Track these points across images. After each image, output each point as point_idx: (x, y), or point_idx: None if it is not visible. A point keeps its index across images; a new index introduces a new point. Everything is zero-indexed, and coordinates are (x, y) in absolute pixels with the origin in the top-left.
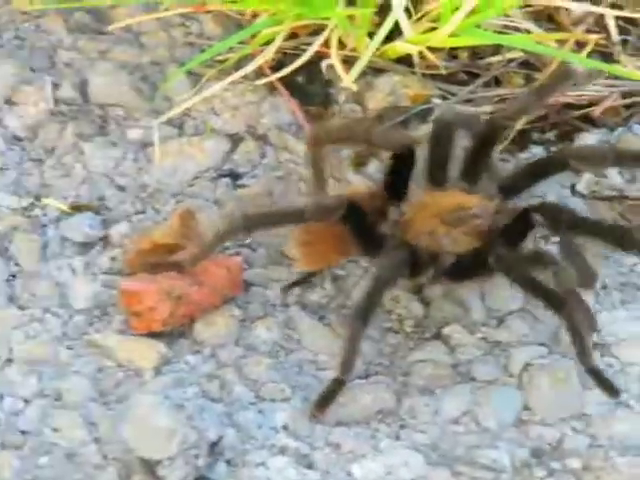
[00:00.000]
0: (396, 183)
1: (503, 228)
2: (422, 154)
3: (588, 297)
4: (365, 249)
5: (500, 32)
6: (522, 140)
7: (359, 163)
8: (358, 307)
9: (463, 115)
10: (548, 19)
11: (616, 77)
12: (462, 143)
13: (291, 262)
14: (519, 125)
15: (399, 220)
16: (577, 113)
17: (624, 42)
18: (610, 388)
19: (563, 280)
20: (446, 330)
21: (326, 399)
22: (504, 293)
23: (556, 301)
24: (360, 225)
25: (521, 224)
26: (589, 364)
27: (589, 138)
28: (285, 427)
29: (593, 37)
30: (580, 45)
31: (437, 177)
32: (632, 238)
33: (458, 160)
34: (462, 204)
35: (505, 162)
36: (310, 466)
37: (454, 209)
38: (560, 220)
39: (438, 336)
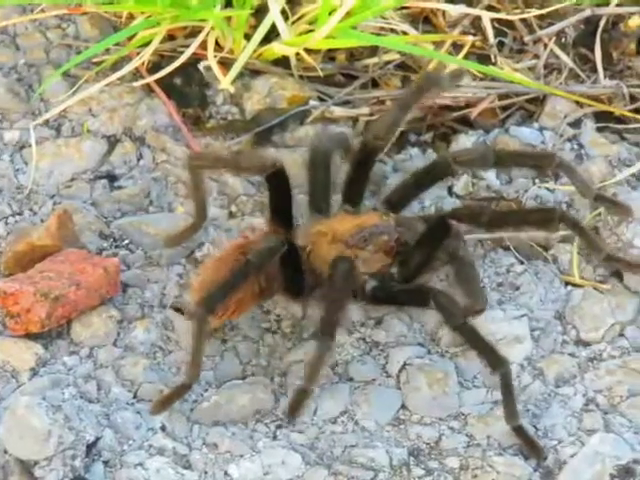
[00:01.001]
0: (281, 212)
1: (416, 239)
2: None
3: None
4: (289, 289)
5: (377, 34)
6: (399, 141)
7: None
8: (205, 294)
9: (337, 138)
10: (425, 21)
11: (493, 79)
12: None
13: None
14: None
15: (299, 250)
16: (454, 115)
17: (500, 44)
18: (535, 449)
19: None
20: None
21: (168, 399)
22: None
23: (495, 359)
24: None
25: (437, 232)
26: (515, 423)
27: (466, 139)
28: (163, 428)
29: (469, 39)
30: (457, 47)
31: (321, 204)
32: (563, 216)
33: (339, 182)
34: (361, 224)
35: (383, 164)
36: (188, 466)
37: (356, 230)
38: (480, 219)
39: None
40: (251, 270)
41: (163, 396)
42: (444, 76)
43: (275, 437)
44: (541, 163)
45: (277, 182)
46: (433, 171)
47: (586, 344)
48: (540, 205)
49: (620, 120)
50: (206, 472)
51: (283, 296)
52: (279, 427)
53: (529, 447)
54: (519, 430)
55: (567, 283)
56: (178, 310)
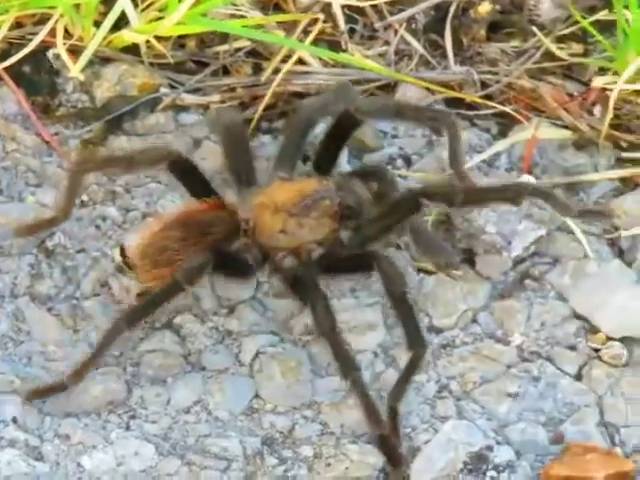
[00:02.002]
0: (201, 195)
1: (381, 211)
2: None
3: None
4: (237, 276)
5: (227, 21)
6: (250, 128)
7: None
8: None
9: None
10: (275, 8)
11: (344, 65)
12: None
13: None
14: (247, 114)
15: (247, 230)
16: None
17: (351, 30)
18: (397, 458)
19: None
20: (177, 320)
21: (43, 392)
22: (234, 283)
23: (415, 340)
24: (226, 258)
25: (405, 208)
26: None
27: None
28: (14, 420)
29: (320, 21)
30: (308, 34)
31: (247, 175)
32: (534, 190)
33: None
34: (301, 191)
35: None
36: (40, 458)
37: (297, 199)
38: (454, 199)
39: (169, 326)
40: (180, 289)
41: (40, 387)
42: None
43: (128, 428)
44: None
45: (182, 168)
46: (341, 125)
47: (439, 331)
48: (509, 181)
49: (471, 106)
50: (58, 464)
51: (229, 278)
52: (132, 417)
53: (389, 456)
54: (382, 438)
55: (419, 270)
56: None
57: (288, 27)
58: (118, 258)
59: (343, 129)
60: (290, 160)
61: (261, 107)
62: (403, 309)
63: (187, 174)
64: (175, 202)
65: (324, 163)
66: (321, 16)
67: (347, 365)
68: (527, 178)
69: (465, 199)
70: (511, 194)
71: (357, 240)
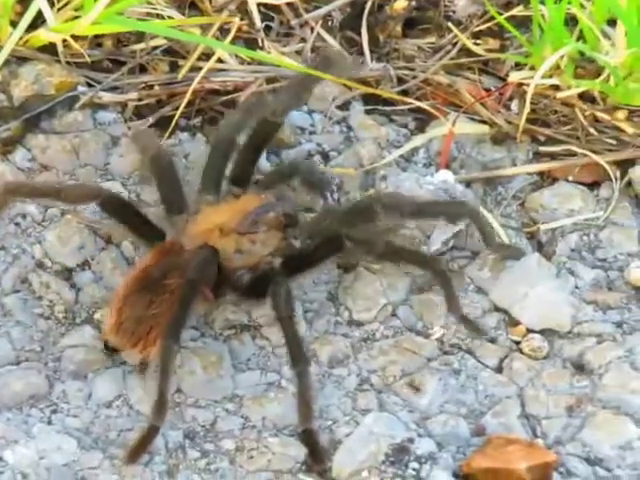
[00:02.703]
0: (143, 227)
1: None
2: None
3: None
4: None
5: (143, 20)
6: (168, 126)
7: (6, 151)
8: (168, 326)
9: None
10: (191, 6)
11: (260, 63)
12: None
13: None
14: (165, 112)
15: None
16: (222, 99)
17: (267, 28)
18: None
19: None
20: (97, 315)
21: (140, 447)
22: None
23: (422, 259)
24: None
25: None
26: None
27: None
28: None
29: (236, 20)
30: (224, 32)
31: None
32: (472, 212)
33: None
34: (244, 210)
35: None
36: None
37: (242, 218)
38: (404, 209)
39: (90, 321)
40: (196, 288)
41: (135, 444)
42: (342, 59)
43: (50, 422)
44: None
45: (114, 206)
46: (261, 133)
47: (359, 324)
48: (453, 200)
49: (388, 102)
50: None
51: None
52: (54, 412)
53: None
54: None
55: (339, 265)
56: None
57: (205, 25)
58: (104, 349)
59: (263, 137)
60: (215, 182)
61: (182, 105)
62: (397, 256)
63: (120, 211)
64: None
65: (243, 174)
66: (237, 16)
67: (298, 355)
68: (445, 173)
69: (412, 213)
70: (455, 212)
71: (307, 241)
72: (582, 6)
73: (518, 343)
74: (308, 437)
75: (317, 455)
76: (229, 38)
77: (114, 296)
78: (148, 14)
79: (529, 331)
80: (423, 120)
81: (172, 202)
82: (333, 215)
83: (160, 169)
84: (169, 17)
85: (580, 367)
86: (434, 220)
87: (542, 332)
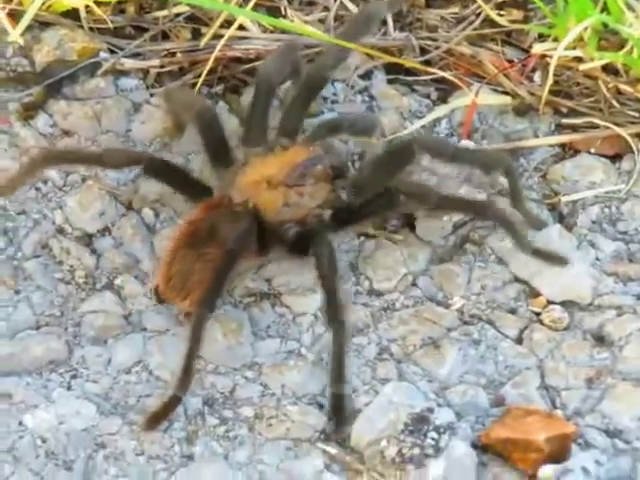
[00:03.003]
0: (189, 188)
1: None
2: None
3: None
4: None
5: None
6: None
7: (28, 116)
8: (204, 294)
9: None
10: None
11: (283, 31)
12: None
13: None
14: (187, 79)
15: (243, 209)
16: (245, 67)
17: None
18: (558, 258)
19: None
20: (117, 281)
21: (160, 415)
22: None
23: (477, 205)
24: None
25: (401, 157)
26: (530, 248)
27: None
28: None
29: None
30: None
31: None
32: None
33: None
34: (292, 162)
35: None
36: None
37: (290, 170)
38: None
39: (110, 287)
40: (235, 256)
41: (155, 412)
42: (383, 5)
43: (69, 387)
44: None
45: (156, 168)
46: (309, 84)
47: (379, 294)
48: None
49: (410, 72)
50: (0, 422)
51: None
52: (73, 377)
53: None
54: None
55: (360, 234)
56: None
57: None
58: (154, 297)
59: (310, 90)
60: (262, 132)
61: (204, 73)
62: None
63: (164, 173)
64: None
65: (291, 126)
66: None
67: (337, 313)
68: (467, 143)
69: (453, 156)
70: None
71: (355, 193)
72: None
73: (538, 314)
74: (335, 401)
75: (339, 421)
76: (251, 4)
77: (164, 249)
78: None
79: (549, 302)
80: (445, 90)
81: (219, 156)
82: (375, 162)
83: (206, 123)
84: None
85: (600, 339)
86: (469, 167)
87: (562, 304)
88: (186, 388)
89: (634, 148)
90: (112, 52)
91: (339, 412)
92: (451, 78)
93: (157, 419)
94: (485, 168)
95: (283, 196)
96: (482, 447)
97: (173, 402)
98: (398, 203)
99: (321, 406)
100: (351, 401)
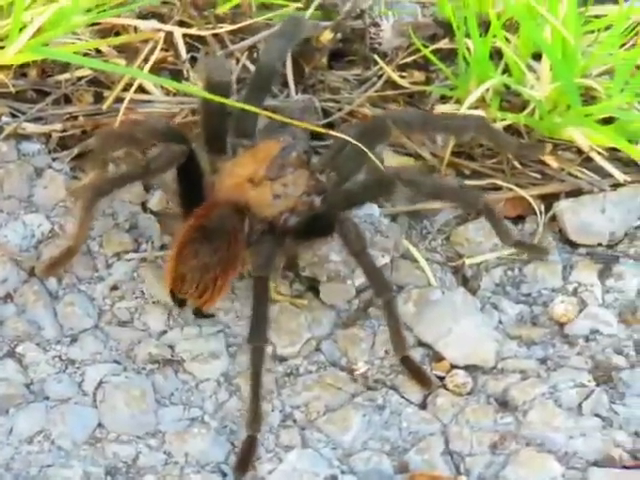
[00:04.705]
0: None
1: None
2: None
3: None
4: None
5: (66, 48)
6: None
7: None
8: (252, 326)
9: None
10: (116, 36)
11: (185, 94)
12: None
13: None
14: (90, 143)
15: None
16: None
17: (192, 59)
18: (423, 378)
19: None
20: (19, 349)
21: (246, 459)
22: (77, 311)
23: (466, 196)
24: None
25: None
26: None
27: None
28: None
29: (158, 38)
30: (148, 62)
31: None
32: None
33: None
34: (268, 155)
35: None
36: None
37: (269, 163)
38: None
39: (11, 354)
40: (266, 283)
41: (239, 458)
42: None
43: None
44: None
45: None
46: (258, 81)
47: (283, 359)
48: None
49: (313, 135)
50: None
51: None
52: None
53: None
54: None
55: None
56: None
57: (130, 56)
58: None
59: (261, 87)
60: (252, 122)
61: None
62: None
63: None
64: (15, 232)
65: (249, 125)
66: (160, 40)
67: (382, 284)
68: (370, 206)
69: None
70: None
71: (338, 177)
72: (507, 40)
73: (442, 379)
74: (407, 363)
75: (422, 378)
76: (147, 67)
77: (172, 248)
78: (73, 44)
79: (453, 367)
80: None
81: (214, 142)
82: (346, 142)
83: (212, 107)
84: (95, 48)
85: (504, 403)
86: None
87: (466, 368)
88: (259, 425)
89: (536, 209)
90: (14, 116)
91: (416, 371)
92: (352, 140)
93: (244, 464)
94: (457, 132)
95: (270, 190)
96: None
97: (252, 443)
98: (394, 189)
99: (224, 474)
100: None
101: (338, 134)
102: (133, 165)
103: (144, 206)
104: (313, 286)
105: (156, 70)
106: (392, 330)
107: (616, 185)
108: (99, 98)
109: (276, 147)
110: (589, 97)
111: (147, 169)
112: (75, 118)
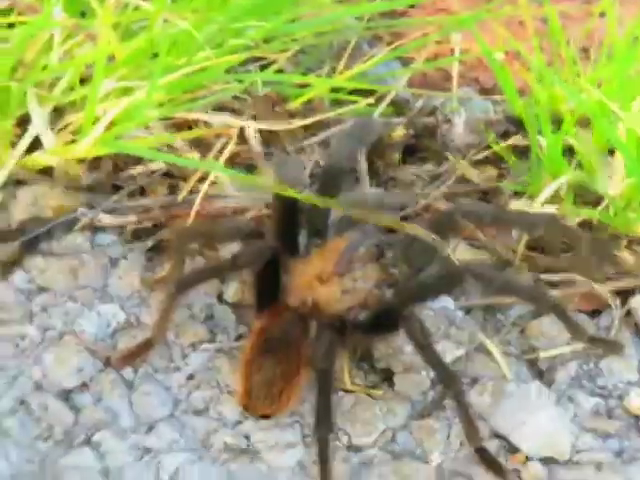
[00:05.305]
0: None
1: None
2: None
3: None
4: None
5: (137, 142)
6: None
7: (5, 272)
8: (317, 417)
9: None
10: (189, 129)
11: (258, 188)
12: None
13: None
14: (164, 235)
15: (301, 305)
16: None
17: (266, 154)
18: (614, 345)
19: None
20: (96, 437)
21: None
22: (153, 400)
23: (535, 294)
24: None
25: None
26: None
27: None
28: None
29: (232, 133)
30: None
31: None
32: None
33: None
34: (335, 250)
35: None
36: None
37: (337, 260)
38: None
39: (88, 442)
40: (329, 373)
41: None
42: (379, 121)
43: None
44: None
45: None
46: (327, 181)
47: (358, 449)
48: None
49: (390, 230)
50: None
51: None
52: None
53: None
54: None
55: (339, 389)
56: None
57: (202, 150)
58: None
59: (331, 187)
60: (324, 221)
61: None
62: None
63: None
64: (91, 321)
65: (321, 224)
66: (234, 134)
67: (448, 377)
68: (445, 299)
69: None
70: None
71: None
72: (580, 136)
73: (518, 471)
74: (482, 454)
75: (497, 469)
76: (222, 158)
77: (239, 363)
78: (145, 139)
79: (529, 459)
80: None
81: (287, 243)
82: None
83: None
84: (167, 142)
85: None
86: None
87: (542, 460)
88: None
89: (612, 304)
90: (89, 208)
91: (491, 462)
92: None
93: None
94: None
95: (338, 285)
96: None
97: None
98: (464, 283)
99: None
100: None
101: (411, 227)
102: (215, 260)
103: (220, 297)
104: (388, 377)
105: (230, 164)
106: (463, 421)
107: None
108: (173, 190)
109: (342, 244)
110: None
111: (233, 264)
112: (149, 210)
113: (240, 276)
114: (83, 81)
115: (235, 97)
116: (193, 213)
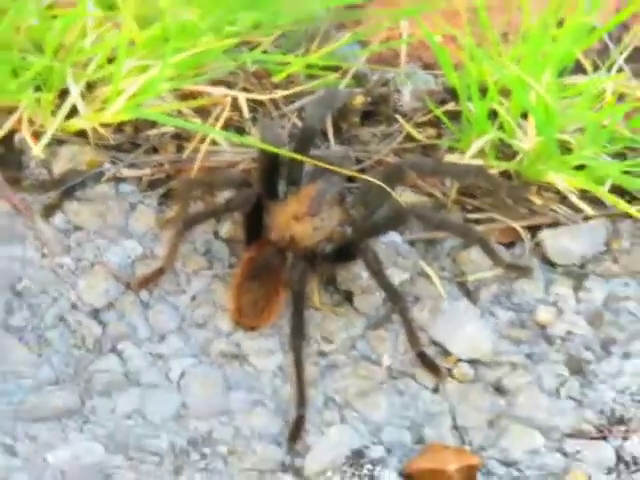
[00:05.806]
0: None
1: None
2: None
3: None
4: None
5: (153, 110)
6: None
7: (48, 215)
8: (292, 329)
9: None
10: (194, 99)
11: (247, 146)
12: None
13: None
14: (173, 184)
15: (284, 242)
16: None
17: (253, 119)
18: (525, 269)
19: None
20: (119, 346)
21: (296, 433)
22: (164, 317)
23: (466, 231)
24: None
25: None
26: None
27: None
28: None
29: (226, 102)
30: (218, 120)
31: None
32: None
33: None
34: (308, 196)
35: None
36: (14, 455)
37: (309, 204)
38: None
39: (113, 350)
40: (302, 295)
41: (291, 431)
42: (340, 91)
43: (82, 431)
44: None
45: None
46: (302, 139)
47: (324, 354)
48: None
49: (349, 179)
50: (28, 459)
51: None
52: (85, 423)
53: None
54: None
55: (310, 307)
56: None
57: (204, 116)
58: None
59: (305, 145)
60: (299, 172)
61: None
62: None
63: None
64: (115, 254)
65: (296, 176)
66: (227, 103)
67: (396, 296)
68: (393, 234)
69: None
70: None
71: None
72: (501, 103)
73: (450, 370)
74: (422, 358)
75: (434, 369)
76: (219, 123)
77: (231, 286)
78: (159, 106)
79: (459, 360)
80: None
81: (270, 188)
82: (370, 185)
83: (269, 155)
84: (177, 109)
85: (498, 389)
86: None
87: (469, 361)
88: (305, 407)
89: (524, 238)
90: (113, 163)
91: (429, 363)
92: (378, 183)
93: (295, 436)
94: (460, 178)
95: (310, 224)
96: (407, 476)
97: (301, 420)
98: (409, 222)
99: (280, 444)
100: None
101: (367, 177)
102: (213, 204)
103: (216, 234)
104: (349, 297)
105: (224, 127)
106: (408, 331)
107: (586, 218)
108: (180, 149)
109: (315, 190)
110: (566, 149)
111: (227, 207)
112: (161, 165)
113: (232, 217)
114: (110, 61)
115: (230, 73)
116: (196, 167)
